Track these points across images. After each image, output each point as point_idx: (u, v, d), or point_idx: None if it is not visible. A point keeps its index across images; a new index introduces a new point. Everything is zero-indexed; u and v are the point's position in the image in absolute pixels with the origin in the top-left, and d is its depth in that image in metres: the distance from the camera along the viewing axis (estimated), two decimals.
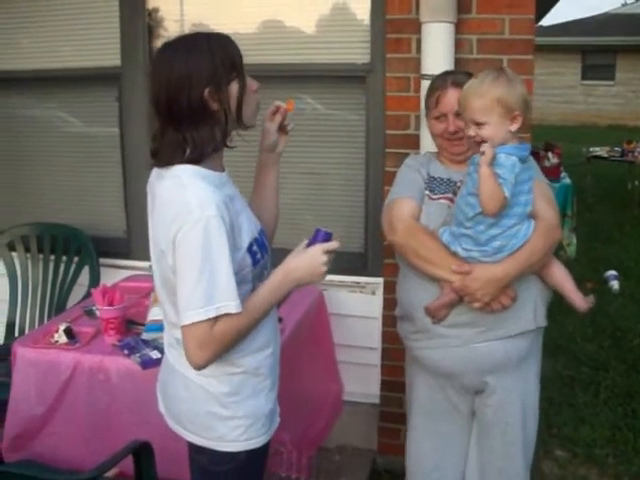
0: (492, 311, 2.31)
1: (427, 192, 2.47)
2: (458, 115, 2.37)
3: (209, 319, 1.75)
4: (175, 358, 1.99)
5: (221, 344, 1.81)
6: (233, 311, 1.77)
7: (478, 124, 2.19)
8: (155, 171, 1.95)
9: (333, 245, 1.92)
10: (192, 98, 1.80)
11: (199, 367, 1.83)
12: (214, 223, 1.74)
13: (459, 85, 2.36)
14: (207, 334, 1.76)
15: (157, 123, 1.88)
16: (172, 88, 1.80)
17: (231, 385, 1.93)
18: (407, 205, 2.43)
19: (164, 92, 1.81)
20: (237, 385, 1.94)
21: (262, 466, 2.09)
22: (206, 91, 1.81)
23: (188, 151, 1.83)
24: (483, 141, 2.19)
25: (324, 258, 1.89)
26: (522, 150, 2.22)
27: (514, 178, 2.14)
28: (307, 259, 1.90)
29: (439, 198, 2.42)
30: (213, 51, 1.83)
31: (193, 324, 1.75)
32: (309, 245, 1.93)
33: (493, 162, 2.15)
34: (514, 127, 2.19)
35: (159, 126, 1.87)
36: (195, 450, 2.01)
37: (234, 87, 1.86)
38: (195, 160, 1.84)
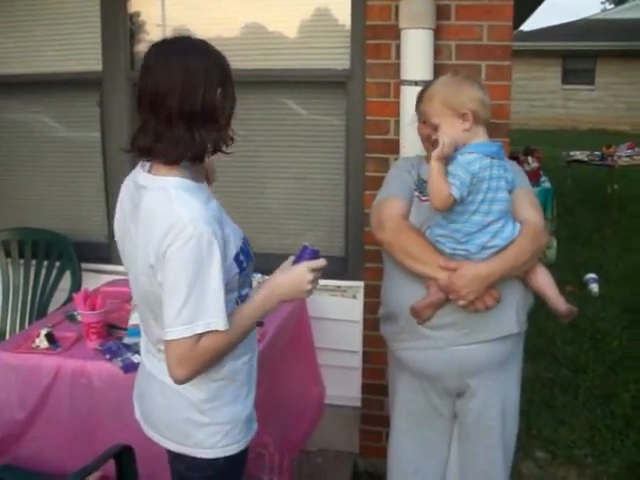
0: (476, 310, 2.34)
1: (417, 194, 2.49)
2: None
3: (194, 335, 1.74)
4: (153, 365, 1.99)
5: (202, 361, 1.80)
6: (221, 329, 1.76)
7: (435, 127, 2.31)
8: (132, 180, 1.92)
9: (319, 263, 1.91)
10: (206, 96, 1.79)
11: (180, 382, 1.82)
12: (206, 239, 1.72)
13: None
14: (190, 350, 1.75)
15: (156, 119, 1.79)
16: (189, 83, 1.76)
17: (209, 392, 1.92)
18: (396, 204, 2.45)
19: (179, 86, 1.76)
20: (215, 392, 1.93)
21: (241, 472, 2.09)
22: (218, 91, 1.81)
23: (191, 150, 1.81)
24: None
25: (309, 276, 1.88)
26: (487, 146, 2.28)
27: (470, 176, 2.20)
28: (292, 276, 1.90)
29: (428, 200, 2.42)
30: (219, 56, 1.85)
31: (177, 340, 1.74)
32: (296, 261, 1.93)
33: (451, 161, 2.24)
34: (466, 125, 2.27)
35: (162, 122, 1.79)
36: (173, 457, 2.01)
37: (232, 95, 1.87)
38: (196, 158, 1.83)
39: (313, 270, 1.89)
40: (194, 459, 1.95)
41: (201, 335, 1.75)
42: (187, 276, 1.72)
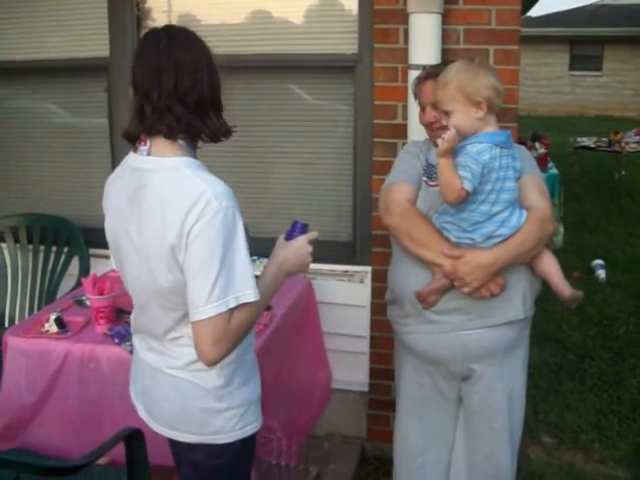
0: (481, 297, 2.34)
1: (424, 178, 2.50)
2: (434, 107, 2.43)
3: (228, 310, 1.73)
4: (159, 360, 1.96)
5: (236, 337, 1.79)
6: (251, 300, 1.76)
7: (447, 113, 2.28)
8: (125, 168, 1.93)
9: (314, 235, 1.99)
10: (214, 83, 1.83)
11: (213, 364, 1.79)
12: (231, 212, 1.73)
13: (434, 77, 2.43)
14: (224, 327, 1.73)
15: (165, 102, 1.78)
16: (203, 71, 1.80)
17: (224, 377, 1.91)
18: (404, 189, 2.47)
19: (190, 72, 1.78)
20: (229, 375, 1.92)
21: (253, 453, 2.10)
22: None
23: (194, 128, 1.82)
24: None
25: (310, 248, 1.96)
26: (497, 136, 2.26)
27: (480, 167, 2.20)
28: (296, 250, 1.95)
29: (435, 185, 2.41)
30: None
31: (210, 318, 1.71)
32: (288, 237, 1.98)
33: (460, 151, 2.24)
34: (480, 114, 2.25)
35: (167, 104, 1.78)
36: (187, 448, 1.98)
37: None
38: (196, 136, 1.86)
39: (309, 242, 1.97)
40: (212, 447, 1.94)
41: (233, 310, 1.74)
42: (219, 250, 1.70)
